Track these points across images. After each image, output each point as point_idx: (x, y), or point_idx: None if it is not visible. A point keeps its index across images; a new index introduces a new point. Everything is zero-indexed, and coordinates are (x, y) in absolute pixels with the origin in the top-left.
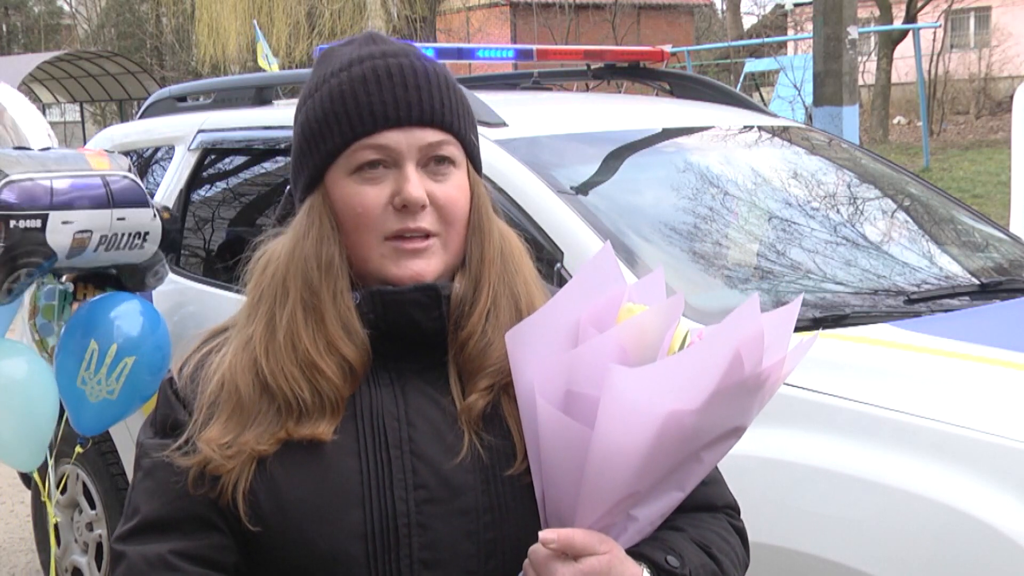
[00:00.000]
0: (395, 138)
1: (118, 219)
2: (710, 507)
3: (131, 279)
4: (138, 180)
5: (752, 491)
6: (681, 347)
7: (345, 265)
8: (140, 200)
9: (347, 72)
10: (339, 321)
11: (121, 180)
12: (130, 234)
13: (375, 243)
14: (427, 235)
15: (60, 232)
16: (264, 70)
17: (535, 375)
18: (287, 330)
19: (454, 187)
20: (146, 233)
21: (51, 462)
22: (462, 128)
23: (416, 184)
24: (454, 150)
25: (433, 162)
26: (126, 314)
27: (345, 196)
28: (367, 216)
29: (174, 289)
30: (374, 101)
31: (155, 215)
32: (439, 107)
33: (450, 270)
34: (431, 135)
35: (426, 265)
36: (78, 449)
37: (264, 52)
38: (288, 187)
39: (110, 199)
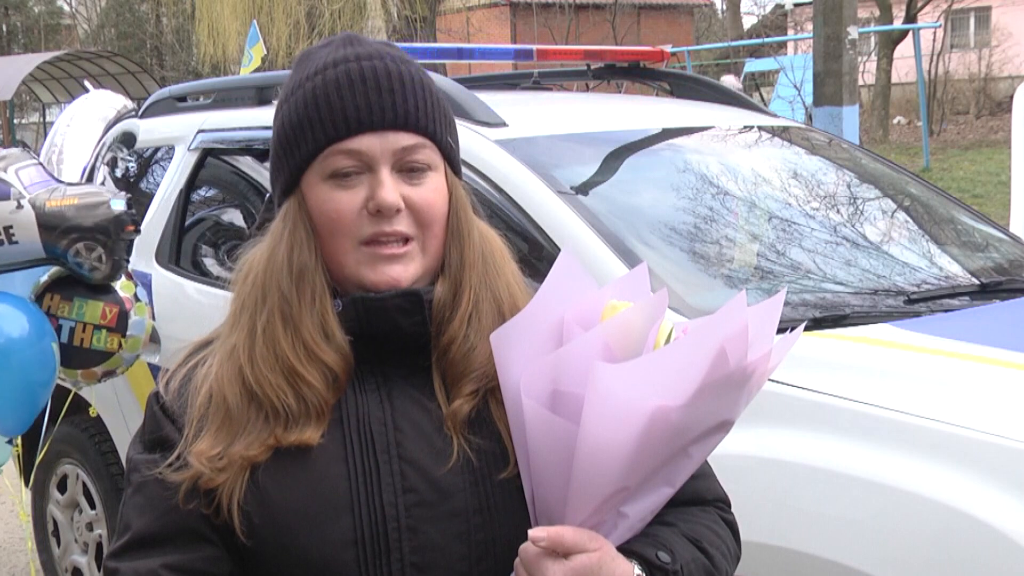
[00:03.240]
0: (368, 143)
1: None
2: (700, 501)
3: (79, 275)
4: None
5: (752, 491)
6: (666, 343)
7: (321, 270)
8: None
9: (321, 76)
10: (316, 328)
11: None
12: None
13: (350, 248)
14: (405, 240)
15: None
16: (245, 65)
17: (521, 376)
18: (267, 338)
19: (430, 190)
20: (8, 227)
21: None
22: (438, 131)
23: (390, 189)
24: (430, 153)
25: (409, 166)
26: None
27: (320, 201)
28: (341, 221)
29: (174, 289)
30: (347, 106)
31: (19, 206)
32: (413, 110)
33: (429, 274)
34: (405, 139)
35: (403, 270)
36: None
37: (246, 50)
38: (267, 196)
39: None
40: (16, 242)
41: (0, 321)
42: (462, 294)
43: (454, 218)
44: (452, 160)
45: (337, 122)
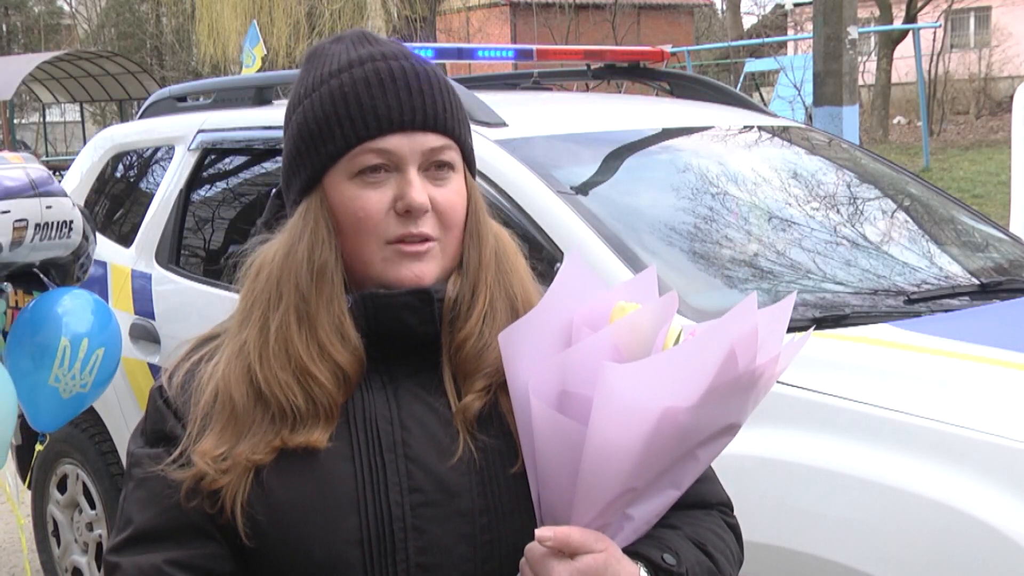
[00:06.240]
0: (398, 142)
1: (47, 208)
2: (704, 504)
3: (62, 274)
4: (50, 172)
5: (752, 491)
6: (675, 346)
7: (340, 269)
8: (60, 189)
9: (348, 74)
10: (332, 327)
11: (40, 170)
12: (59, 223)
13: (376, 247)
14: (426, 239)
15: (1, 222)
16: (249, 65)
17: (529, 376)
18: (280, 336)
19: (453, 192)
20: (71, 221)
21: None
22: (462, 133)
23: (419, 189)
24: (454, 155)
25: (434, 167)
26: (85, 308)
27: (346, 200)
28: (369, 220)
29: (174, 289)
30: (378, 104)
31: (73, 204)
32: (442, 112)
33: (447, 273)
34: (433, 140)
35: (426, 268)
36: (38, 447)
37: (247, 50)
38: (273, 191)
39: (35, 188)
40: (69, 237)
41: (97, 324)
42: (479, 293)
43: (472, 219)
44: (470, 161)
45: (368, 121)
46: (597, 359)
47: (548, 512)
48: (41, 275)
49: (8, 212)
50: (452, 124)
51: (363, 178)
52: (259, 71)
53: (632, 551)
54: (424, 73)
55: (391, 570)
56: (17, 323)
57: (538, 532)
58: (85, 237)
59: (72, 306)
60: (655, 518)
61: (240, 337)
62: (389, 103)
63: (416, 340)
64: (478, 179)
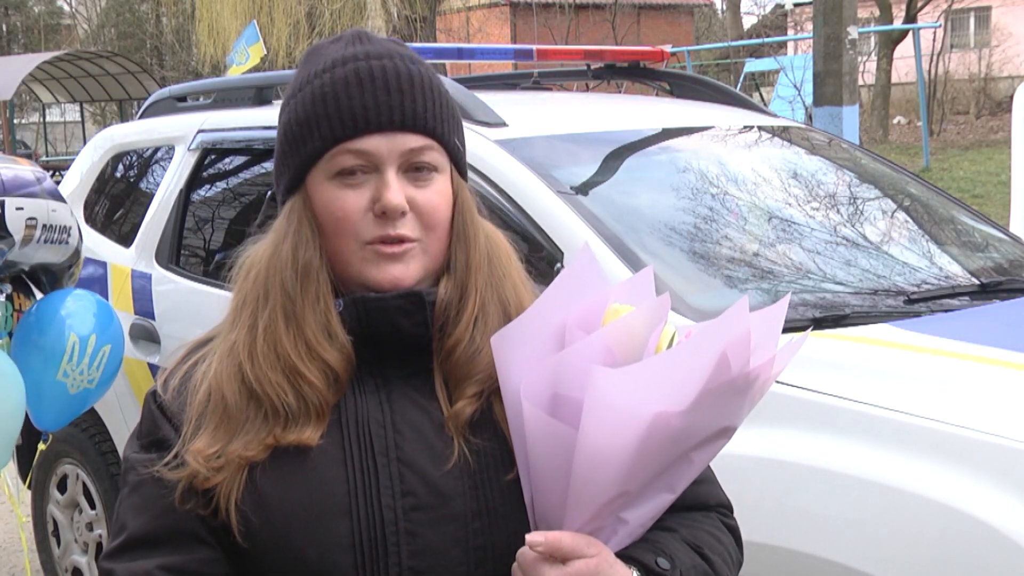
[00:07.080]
0: (376, 143)
1: (52, 210)
2: (702, 506)
3: (51, 280)
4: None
5: (751, 491)
6: (669, 348)
7: (325, 269)
8: (61, 195)
9: (330, 74)
10: (319, 326)
11: (43, 174)
12: (60, 227)
13: (355, 247)
14: (404, 240)
15: (16, 219)
16: (241, 63)
17: (521, 379)
18: (268, 335)
19: (435, 193)
20: (69, 227)
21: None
22: (446, 133)
23: (396, 191)
24: (437, 155)
25: (415, 167)
26: (91, 307)
27: (325, 200)
28: (346, 221)
29: (174, 289)
30: (355, 105)
31: (71, 212)
32: (422, 111)
33: (432, 274)
34: (413, 140)
35: (405, 269)
36: (41, 446)
37: (242, 48)
38: (268, 193)
39: (42, 188)
40: (67, 243)
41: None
42: (468, 296)
43: (459, 220)
44: (458, 162)
45: (345, 121)
46: (589, 362)
47: (541, 516)
48: (29, 282)
49: (22, 209)
50: (434, 124)
51: (342, 179)
52: (255, 70)
53: (626, 555)
54: (407, 72)
55: (383, 574)
56: (22, 324)
57: (529, 537)
58: (78, 246)
59: (78, 305)
60: (650, 521)
61: (231, 337)
62: (366, 103)
63: (409, 343)
64: (479, 179)
